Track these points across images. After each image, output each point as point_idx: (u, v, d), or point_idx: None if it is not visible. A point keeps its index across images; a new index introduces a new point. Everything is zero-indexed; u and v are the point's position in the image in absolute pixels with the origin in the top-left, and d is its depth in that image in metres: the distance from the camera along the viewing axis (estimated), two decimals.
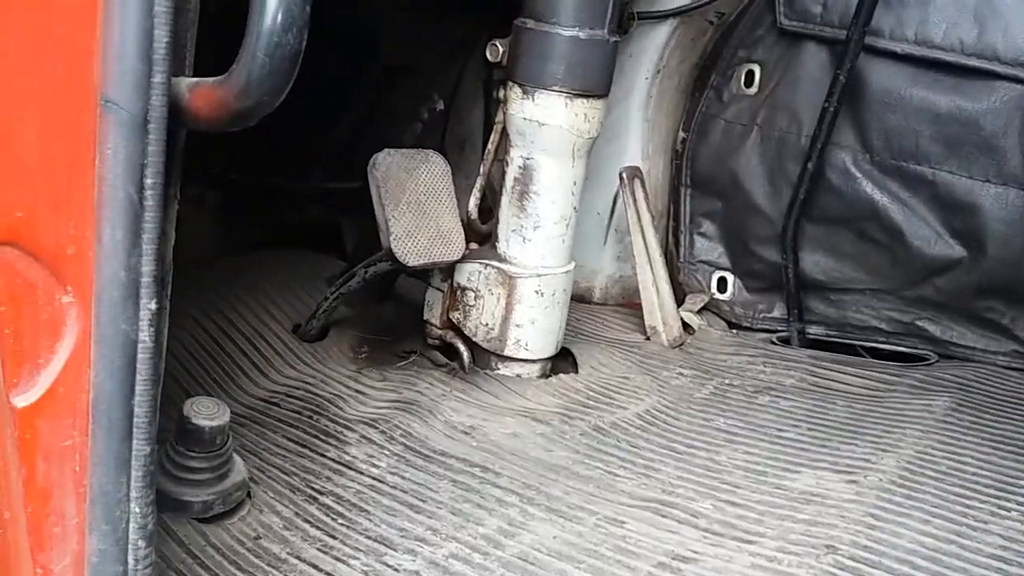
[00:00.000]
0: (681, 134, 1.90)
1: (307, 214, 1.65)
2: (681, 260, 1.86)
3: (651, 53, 1.79)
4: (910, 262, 1.60)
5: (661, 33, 1.77)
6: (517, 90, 1.28)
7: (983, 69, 1.48)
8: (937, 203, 1.56)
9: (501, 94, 1.33)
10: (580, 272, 1.66)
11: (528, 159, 1.30)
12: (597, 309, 1.85)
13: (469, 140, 2.04)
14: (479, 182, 1.39)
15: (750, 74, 1.79)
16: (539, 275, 1.34)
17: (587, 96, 1.27)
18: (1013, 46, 1.45)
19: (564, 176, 1.32)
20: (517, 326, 1.34)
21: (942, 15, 1.52)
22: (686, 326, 1.72)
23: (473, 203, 1.40)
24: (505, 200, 1.35)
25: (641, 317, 1.71)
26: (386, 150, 1.23)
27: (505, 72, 1.31)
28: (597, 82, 1.28)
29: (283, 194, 1.61)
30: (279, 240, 1.66)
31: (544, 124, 1.27)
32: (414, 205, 1.24)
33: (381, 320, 1.54)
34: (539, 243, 1.34)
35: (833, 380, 1.49)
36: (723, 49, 1.82)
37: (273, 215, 1.66)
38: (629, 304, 1.90)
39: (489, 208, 1.44)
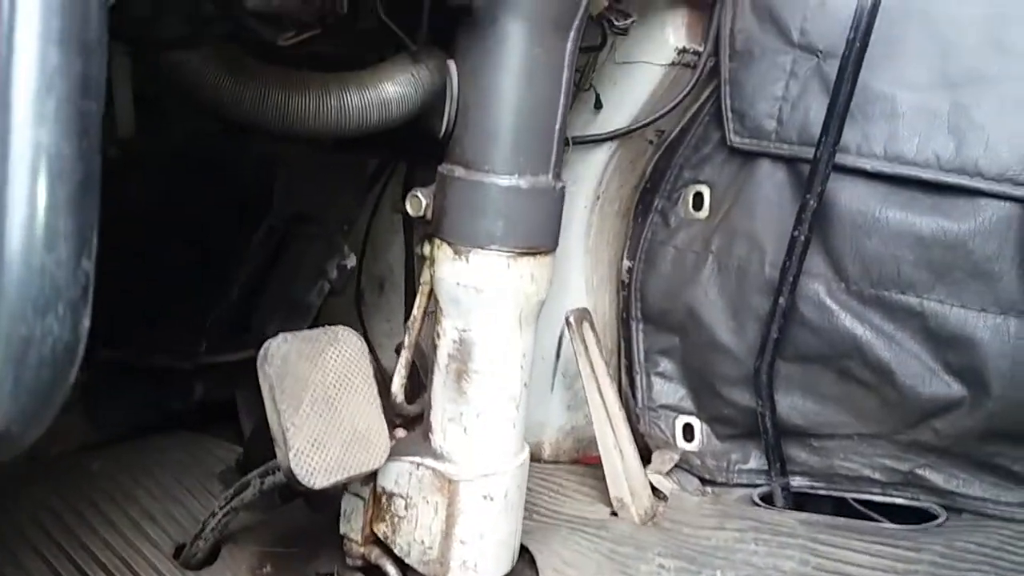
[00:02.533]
0: (627, 263, 1.65)
1: (193, 392, 1.31)
2: (640, 406, 1.58)
3: (589, 179, 1.54)
4: (903, 403, 1.35)
5: (599, 157, 1.53)
6: (447, 250, 0.99)
7: (965, 186, 1.27)
8: (928, 336, 1.32)
9: (426, 250, 1.04)
10: (526, 427, 1.37)
11: (464, 332, 1.00)
12: (550, 470, 1.55)
13: (389, 278, 1.75)
14: (404, 356, 1.09)
15: (698, 196, 1.56)
16: (486, 475, 1.02)
17: (533, 254, 0.99)
18: (996, 160, 1.25)
19: (510, 349, 1.02)
20: (461, 542, 1.02)
21: (912, 128, 1.31)
22: (655, 490, 1.43)
23: (398, 382, 1.09)
24: (438, 381, 1.04)
25: (601, 476, 1.41)
26: (281, 336, 0.91)
27: (431, 227, 1.02)
28: (544, 236, 1.00)
29: (163, 372, 1.28)
30: (160, 425, 1.32)
31: (482, 291, 0.98)
32: (321, 404, 0.93)
33: (289, 526, 1.20)
34: (483, 434, 1.03)
35: (840, 561, 1.21)
36: (666, 170, 1.59)
37: (151, 396, 1.32)
38: (585, 459, 1.61)
39: (420, 382, 1.14)
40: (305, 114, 0.97)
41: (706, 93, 1.55)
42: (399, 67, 1.03)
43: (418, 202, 1.01)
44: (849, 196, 1.36)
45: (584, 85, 1.48)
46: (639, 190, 1.64)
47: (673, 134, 1.58)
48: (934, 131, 1.29)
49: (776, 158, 1.44)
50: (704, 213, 1.55)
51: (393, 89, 1.01)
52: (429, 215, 1.01)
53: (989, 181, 1.25)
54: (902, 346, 1.34)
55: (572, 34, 0.97)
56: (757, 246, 1.44)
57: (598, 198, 1.57)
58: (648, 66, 1.47)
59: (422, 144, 1.08)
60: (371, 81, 1.01)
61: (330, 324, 0.97)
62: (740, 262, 1.46)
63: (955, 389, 1.31)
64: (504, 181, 0.95)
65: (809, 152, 1.36)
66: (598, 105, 1.49)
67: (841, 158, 1.33)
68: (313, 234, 1.26)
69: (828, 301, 1.38)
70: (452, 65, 0.99)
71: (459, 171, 0.97)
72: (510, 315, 1.00)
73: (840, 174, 1.35)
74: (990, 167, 1.25)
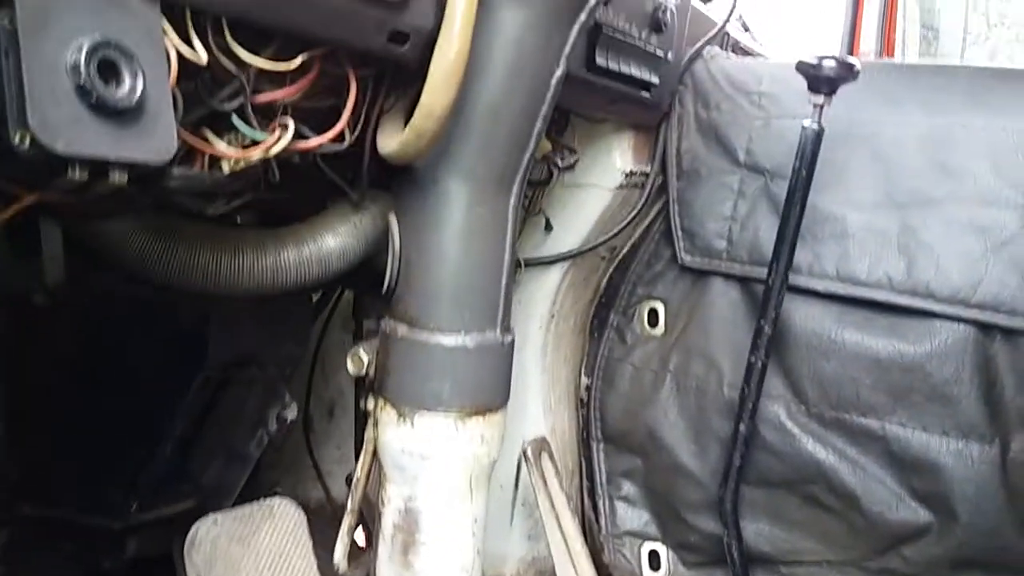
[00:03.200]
0: (584, 380, 1.60)
1: (125, 549, 1.21)
2: (603, 532, 1.51)
3: (543, 299, 1.50)
4: (871, 529, 1.30)
5: (552, 277, 1.50)
6: (390, 412, 0.93)
7: (919, 308, 1.25)
8: (892, 460, 1.28)
9: (370, 405, 0.98)
10: (486, 559, 1.28)
11: (411, 501, 0.93)
12: None
13: (339, 401, 1.68)
14: (347, 522, 1.01)
15: (653, 313, 1.53)
16: None
17: (483, 413, 0.94)
18: (947, 281, 1.23)
19: (461, 517, 0.95)
20: None
21: (863, 248, 1.29)
22: None
23: (341, 550, 1.01)
24: (383, 553, 0.96)
25: None
26: (210, 517, 0.84)
27: (374, 385, 0.96)
28: (494, 394, 0.95)
29: (93, 530, 1.18)
30: None
31: (428, 457, 0.91)
32: None
33: None
34: None
35: None
36: (620, 286, 1.56)
37: (78, 554, 1.22)
38: None
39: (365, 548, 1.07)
40: (239, 275, 0.91)
41: (656, 210, 1.53)
42: (340, 217, 0.98)
43: (359, 361, 0.95)
44: (804, 317, 1.33)
45: (534, 210, 1.45)
46: (594, 305, 1.60)
47: (625, 250, 1.56)
48: (885, 251, 1.28)
49: (728, 277, 1.42)
50: (660, 330, 1.51)
51: (334, 242, 0.96)
52: (372, 373, 0.95)
53: (942, 303, 1.23)
54: (866, 471, 1.29)
55: (515, 188, 0.94)
56: (714, 367, 1.40)
57: (553, 316, 1.52)
58: (597, 188, 1.45)
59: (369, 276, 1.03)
60: (310, 235, 0.96)
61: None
62: (698, 383, 1.42)
63: (922, 515, 1.26)
64: (450, 340, 0.90)
65: (760, 272, 1.34)
66: (548, 228, 1.46)
67: (794, 279, 1.31)
68: (252, 379, 1.19)
69: (789, 424, 1.34)
70: (394, 221, 0.95)
71: (402, 329, 0.92)
72: (460, 481, 0.93)
73: (794, 294, 1.33)
74: (941, 289, 1.23)
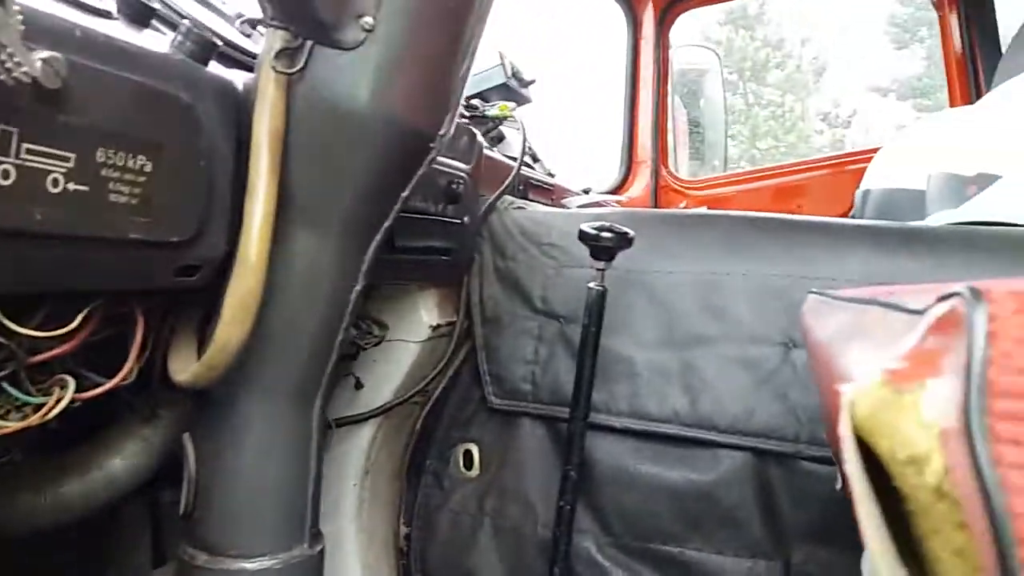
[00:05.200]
0: (403, 528, 1.57)
1: None
2: None
3: (356, 455, 1.46)
4: None
5: (364, 432, 1.47)
6: None
7: (704, 439, 1.35)
8: None
9: None
10: None
11: None
12: None
13: None
14: None
15: (468, 455, 1.54)
16: None
17: None
18: (725, 413, 1.34)
19: None
20: None
21: (650, 386, 1.38)
22: None
23: None
24: None
25: None
26: None
27: None
28: None
29: None
30: None
31: None
32: None
33: None
34: None
35: None
36: (435, 430, 1.56)
37: None
38: None
39: None
40: (13, 515, 0.82)
41: (463, 353, 1.56)
42: (128, 434, 0.91)
43: None
44: (605, 453, 1.39)
45: (343, 372, 1.43)
46: (409, 451, 1.59)
47: (437, 394, 1.57)
48: (669, 388, 1.37)
49: (535, 417, 1.46)
50: (475, 471, 1.52)
51: (122, 464, 0.89)
52: None
53: (723, 434, 1.33)
54: None
55: (318, 400, 0.92)
56: (529, 508, 1.43)
57: (367, 472, 1.49)
58: (405, 343, 1.46)
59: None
60: (95, 459, 0.88)
61: None
62: (515, 524, 1.44)
63: None
64: (253, 565, 0.85)
65: (563, 411, 1.39)
66: (359, 387, 1.44)
67: (593, 417, 1.37)
68: None
69: (599, 558, 1.38)
70: (188, 441, 0.89)
71: (202, 557, 0.85)
72: None
73: (594, 432, 1.39)
74: (721, 420, 1.34)
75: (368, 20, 0.78)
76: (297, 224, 0.84)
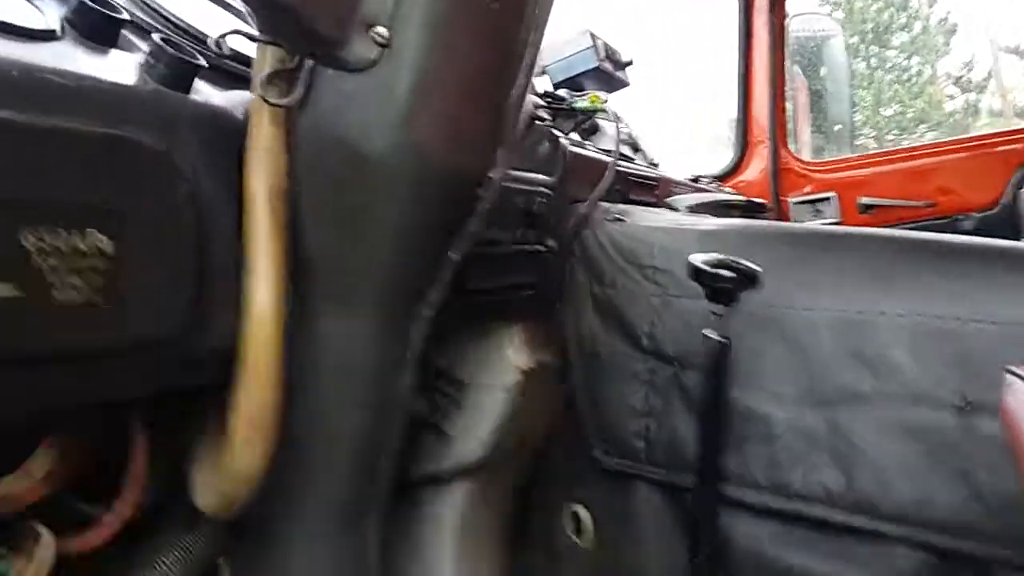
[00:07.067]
0: None
1: None
2: None
3: (449, 515, 1.22)
4: None
5: (455, 489, 1.23)
6: None
7: (865, 529, 1.02)
8: None
9: None
10: None
11: None
12: None
13: None
14: None
15: (576, 518, 1.27)
16: None
17: None
18: (891, 494, 1.00)
19: None
20: None
21: (792, 453, 1.06)
22: None
23: None
24: None
25: None
26: None
27: None
28: None
29: None
30: None
31: None
32: None
33: None
34: None
35: None
36: (539, 488, 1.31)
37: None
38: None
39: None
40: None
41: (563, 400, 1.29)
42: (170, 545, 0.71)
43: None
44: (740, 535, 1.09)
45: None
46: (510, 510, 1.33)
47: (536, 447, 1.30)
48: (816, 457, 1.05)
49: (651, 482, 1.18)
50: (588, 543, 1.26)
51: None
52: None
53: (889, 523, 1.00)
54: None
55: (370, 520, 0.69)
56: None
57: (463, 533, 1.24)
58: (490, 388, 1.20)
59: None
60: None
61: None
62: None
63: None
64: None
65: (684, 478, 1.11)
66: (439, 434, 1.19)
67: (724, 488, 1.08)
68: None
69: None
70: (225, 568, 0.68)
71: None
72: None
73: (727, 508, 1.09)
74: (887, 505, 1.00)
75: (381, 32, 0.52)
76: (319, 301, 0.60)
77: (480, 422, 1.21)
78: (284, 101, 0.54)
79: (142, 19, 0.66)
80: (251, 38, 0.55)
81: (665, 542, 1.15)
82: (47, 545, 0.56)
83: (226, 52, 0.55)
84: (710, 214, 1.78)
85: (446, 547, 1.22)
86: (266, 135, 0.55)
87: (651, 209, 1.60)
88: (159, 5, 0.69)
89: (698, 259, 0.97)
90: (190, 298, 0.53)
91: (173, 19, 0.69)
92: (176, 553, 0.72)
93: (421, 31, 0.54)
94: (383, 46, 0.53)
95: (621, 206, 1.46)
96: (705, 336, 1.00)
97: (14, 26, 0.52)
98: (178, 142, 0.53)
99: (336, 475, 0.68)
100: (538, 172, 1.15)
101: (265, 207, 0.56)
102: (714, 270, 0.94)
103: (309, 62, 0.55)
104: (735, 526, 1.08)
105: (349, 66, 0.53)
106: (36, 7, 0.55)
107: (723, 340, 0.98)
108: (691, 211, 1.73)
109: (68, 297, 0.47)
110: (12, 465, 0.53)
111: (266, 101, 0.54)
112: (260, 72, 0.55)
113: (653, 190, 1.79)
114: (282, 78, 0.54)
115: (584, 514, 1.25)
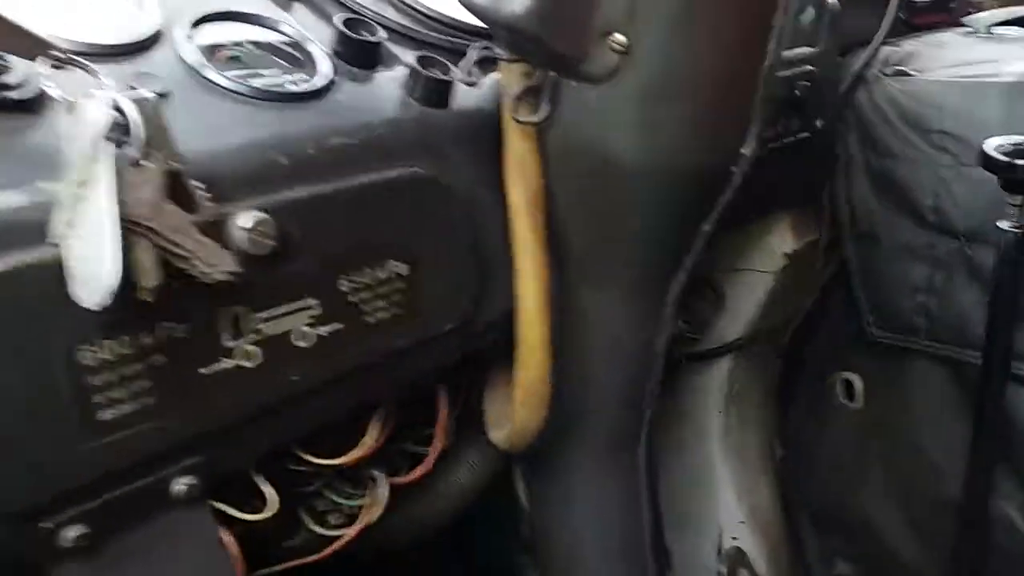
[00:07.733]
0: (779, 451, 1.42)
1: None
2: None
3: (717, 387, 1.32)
4: None
5: (723, 364, 1.31)
6: None
7: None
8: None
9: None
10: None
11: None
12: None
13: None
14: None
15: (848, 385, 1.30)
16: None
17: None
18: None
19: None
20: None
21: None
22: None
23: None
24: None
25: None
26: None
27: None
28: None
29: None
30: None
31: None
32: None
33: None
34: None
35: None
36: (805, 357, 1.34)
37: None
38: None
39: None
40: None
41: (828, 275, 1.27)
42: (472, 442, 0.88)
43: None
44: None
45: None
46: (775, 379, 1.39)
47: (803, 319, 1.32)
48: None
49: (932, 357, 1.15)
50: (858, 404, 1.28)
51: (468, 475, 0.87)
52: None
53: None
54: None
55: (643, 440, 0.81)
56: (926, 459, 1.16)
57: (730, 401, 1.34)
58: (756, 273, 1.23)
59: None
60: (440, 474, 0.88)
61: None
62: (911, 475, 1.19)
63: None
64: None
65: (972, 355, 1.07)
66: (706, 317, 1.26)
67: (1016, 367, 1.03)
68: None
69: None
70: (519, 477, 0.86)
71: None
72: None
73: (1019, 386, 1.04)
74: None
75: (620, 39, 0.54)
76: (580, 288, 0.69)
77: (745, 306, 1.25)
78: (533, 119, 0.60)
79: (397, 23, 0.72)
80: (497, 58, 0.61)
81: (943, 415, 1.13)
82: (383, 484, 0.74)
83: (476, 78, 0.62)
84: None
85: (713, 414, 1.32)
86: (517, 150, 0.62)
87: (942, 38, 1.34)
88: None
89: (992, 144, 0.88)
90: (472, 295, 0.64)
91: (423, 14, 0.74)
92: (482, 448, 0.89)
93: (660, 31, 0.54)
94: (622, 53, 0.55)
95: (906, 47, 1.25)
96: (998, 228, 0.92)
97: (294, 93, 0.60)
98: (447, 161, 0.62)
99: (606, 416, 0.79)
100: (798, 45, 1.07)
101: (525, 217, 0.63)
102: (1010, 159, 0.84)
103: (552, 74, 0.60)
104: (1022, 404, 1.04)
105: (590, 78, 0.57)
106: (311, 52, 0.63)
107: (1019, 233, 0.90)
108: (992, 35, 1.38)
109: (377, 318, 0.59)
110: (354, 432, 0.69)
111: (517, 121, 0.61)
112: (508, 91, 0.61)
113: (947, 14, 1.50)
114: (528, 96, 0.60)
115: (858, 382, 1.26)
